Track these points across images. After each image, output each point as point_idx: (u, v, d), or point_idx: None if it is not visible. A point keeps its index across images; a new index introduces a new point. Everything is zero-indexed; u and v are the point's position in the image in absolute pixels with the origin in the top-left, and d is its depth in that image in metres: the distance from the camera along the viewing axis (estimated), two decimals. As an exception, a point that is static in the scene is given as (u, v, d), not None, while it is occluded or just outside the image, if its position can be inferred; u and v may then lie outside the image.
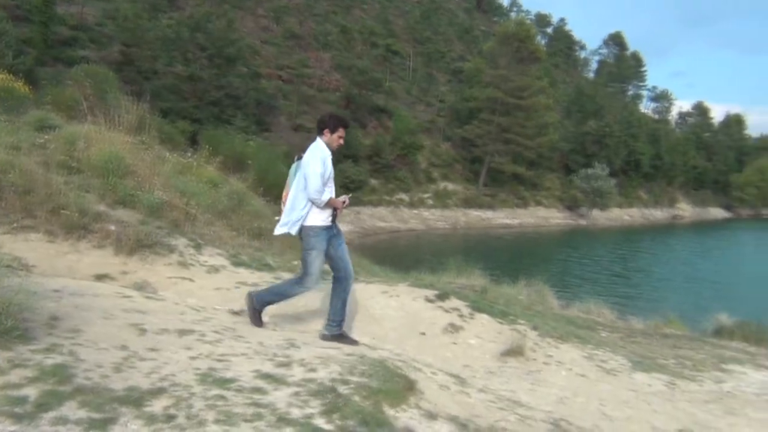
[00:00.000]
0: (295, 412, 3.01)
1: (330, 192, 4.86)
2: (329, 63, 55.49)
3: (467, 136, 56.02)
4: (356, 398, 3.33)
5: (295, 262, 8.15)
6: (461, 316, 6.35)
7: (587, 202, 61.30)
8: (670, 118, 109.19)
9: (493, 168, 55.50)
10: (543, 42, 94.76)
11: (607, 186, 60.87)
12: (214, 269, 6.61)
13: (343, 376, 3.63)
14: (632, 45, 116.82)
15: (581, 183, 60.80)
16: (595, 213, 61.95)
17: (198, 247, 7.04)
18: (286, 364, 3.77)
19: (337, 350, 4.40)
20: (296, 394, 3.26)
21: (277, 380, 3.45)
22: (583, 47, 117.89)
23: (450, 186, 52.78)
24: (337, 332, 5.05)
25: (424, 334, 5.75)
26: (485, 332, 6.17)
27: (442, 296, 6.71)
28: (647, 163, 74.35)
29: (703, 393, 5.66)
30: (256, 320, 5.11)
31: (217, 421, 2.79)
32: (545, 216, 58.04)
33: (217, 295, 5.97)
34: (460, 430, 3.42)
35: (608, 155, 65.72)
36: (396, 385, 3.72)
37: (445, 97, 64.66)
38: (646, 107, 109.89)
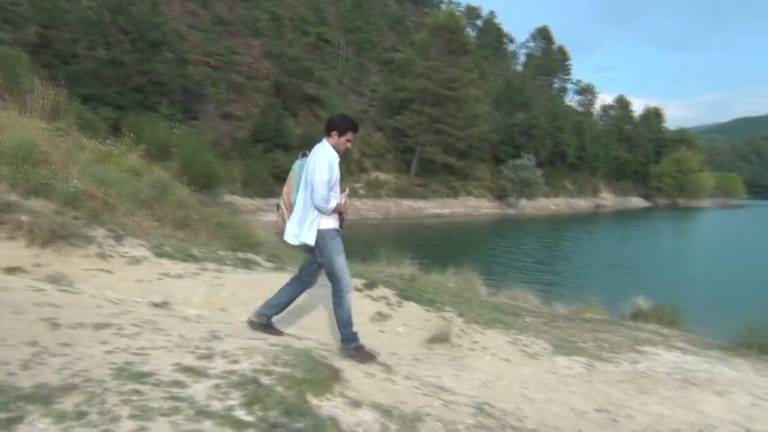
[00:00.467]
0: (215, 405, 2.95)
1: (336, 198, 4.65)
2: (259, 50, 54.50)
3: (399, 126, 56.34)
4: (279, 389, 3.30)
5: (221, 253, 8.00)
6: (389, 304, 6.38)
7: (515, 192, 62.87)
8: (593, 110, 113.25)
9: (424, 158, 56.05)
10: (473, 34, 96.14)
11: (534, 176, 62.61)
12: (136, 261, 6.39)
13: (266, 367, 3.58)
14: (558, 39, 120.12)
15: (510, 173, 62.31)
16: (523, 202, 63.62)
17: (118, 238, 6.79)
18: (208, 357, 3.69)
19: (261, 341, 4.34)
20: (217, 386, 3.19)
21: (197, 373, 3.37)
22: (511, 40, 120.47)
23: (382, 176, 52.94)
24: (266, 322, 4.98)
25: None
26: (413, 320, 6.22)
27: (371, 285, 6.74)
28: (572, 154, 76.94)
29: (619, 374, 5.90)
30: (366, 356, 4.66)
31: (132, 417, 2.70)
32: (475, 205, 59.15)
33: (138, 287, 5.78)
34: (383, 417, 3.44)
35: (535, 146, 67.59)
36: (320, 374, 3.71)
37: (377, 87, 64.74)
38: (570, 100, 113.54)
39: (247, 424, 2.81)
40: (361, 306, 6.17)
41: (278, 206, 4.96)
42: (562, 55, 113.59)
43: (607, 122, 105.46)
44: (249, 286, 6.24)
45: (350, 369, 4.23)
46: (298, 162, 4.84)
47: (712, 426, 4.72)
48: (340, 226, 4.73)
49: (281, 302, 4.97)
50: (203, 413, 2.83)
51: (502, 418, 4.03)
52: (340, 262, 4.65)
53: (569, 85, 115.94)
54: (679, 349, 7.55)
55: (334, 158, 4.63)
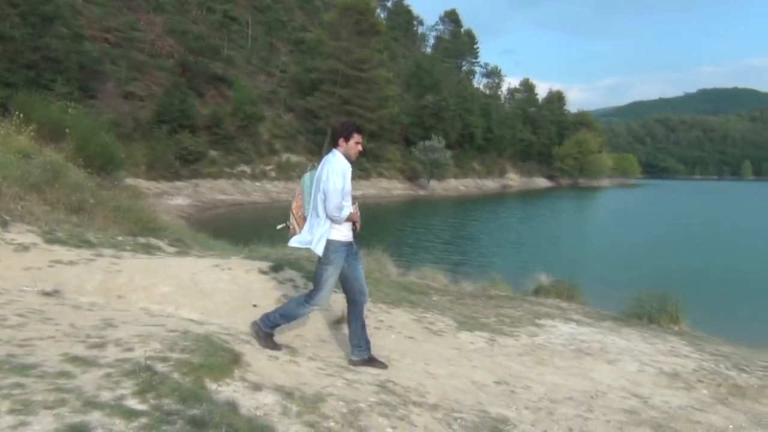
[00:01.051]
0: (105, 395, 2.84)
1: (348, 207, 4.61)
2: (162, 27, 52.22)
3: (310, 107, 55.80)
4: (175, 375, 3.22)
5: (120, 238, 7.69)
6: (295, 286, 6.34)
7: (426, 173, 63.82)
8: (500, 93, 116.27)
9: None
10: (383, 15, 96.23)
11: (443, 158, 63.74)
12: (23, 248, 6.02)
13: (162, 354, 3.48)
14: (466, 22, 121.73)
15: (420, 155, 63.11)
16: (433, 183, 64.72)
17: (4, 224, 6.39)
18: (100, 345, 3.55)
19: (159, 327, 4.21)
20: (107, 375, 3.07)
21: (87, 363, 3.23)
22: (421, 22, 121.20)
23: (293, 158, 52.35)
24: (366, 356, 4.80)
25: (256, 306, 5.67)
26: (319, 301, 6.21)
27: (277, 268, 6.66)
28: (480, 135, 78.83)
29: (519, 347, 6.14)
30: (271, 344, 4.59)
31: (12, 411, 2.55)
32: (387, 187, 59.61)
33: (26, 275, 5.45)
34: (285, 399, 3.42)
35: (445, 128, 68.72)
36: (220, 359, 3.64)
37: (287, 68, 63.70)
38: (478, 83, 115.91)
39: (139, 413, 2.71)
40: (266, 289, 6.11)
41: (287, 224, 4.87)
42: (470, 39, 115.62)
43: (513, 105, 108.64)
44: (149, 271, 6.03)
45: (253, 353, 4.18)
46: (307, 174, 4.78)
47: (603, 392, 4.98)
48: (354, 236, 4.71)
49: (357, 329, 4.80)
50: (91, 404, 2.72)
51: (405, 395, 4.10)
52: (331, 279, 4.62)
53: (477, 68, 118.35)
54: (575, 321, 7.93)
55: (347, 167, 4.60)
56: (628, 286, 11.96)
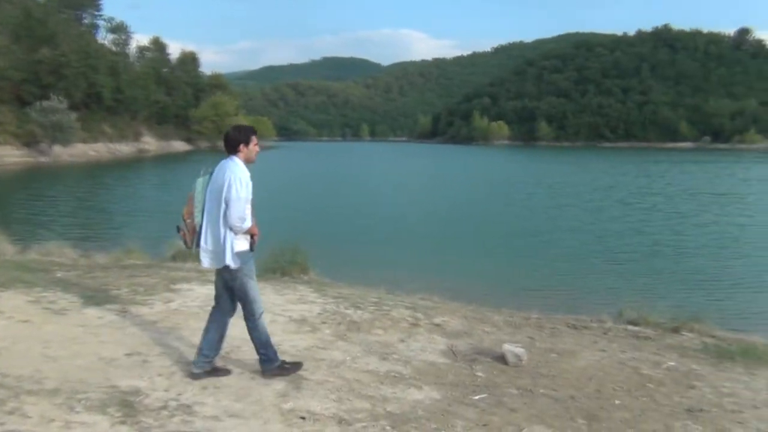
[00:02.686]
0: None
1: (250, 217, 4.38)
2: None
3: None
4: None
5: None
6: None
7: (47, 138, 57.00)
8: (128, 51, 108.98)
9: None
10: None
11: (67, 120, 57.76)
12: None
13: None
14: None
15: (38, 117, 56.08)
16: (58, 149, 58.21)
17: None
18: None
19: None
20: None
21: None
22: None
23: None
24: (210, 367, 4.53)
25: None
26: None
27: None
28: (109, 96, 73.56)
29: (153, 314, 6.02)
30: (291, 369, 4.65)
31: None
32: (-2, 154, 51.63)
33: None
34: None
35: (67, 87, 62.34)
36: None
37: None
38: (103, 38, 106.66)
39: None
40: None
41: (179, 228, 4.58)
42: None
43: (144, 64, 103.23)
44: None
45: None
46: (200, 180, 4.49)
47: (237, 346, 5.18)
48: (251, 248, 4.50)
49: (214, 339, 4.58)
50: None
51: (17, 385, 3.73)
52: (254, 285, 4.55)
53: (100, 22, 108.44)
54: (212, 282, 8.05)
55: (248, 175, 4.41)
56: (268, 243, 12.60)
